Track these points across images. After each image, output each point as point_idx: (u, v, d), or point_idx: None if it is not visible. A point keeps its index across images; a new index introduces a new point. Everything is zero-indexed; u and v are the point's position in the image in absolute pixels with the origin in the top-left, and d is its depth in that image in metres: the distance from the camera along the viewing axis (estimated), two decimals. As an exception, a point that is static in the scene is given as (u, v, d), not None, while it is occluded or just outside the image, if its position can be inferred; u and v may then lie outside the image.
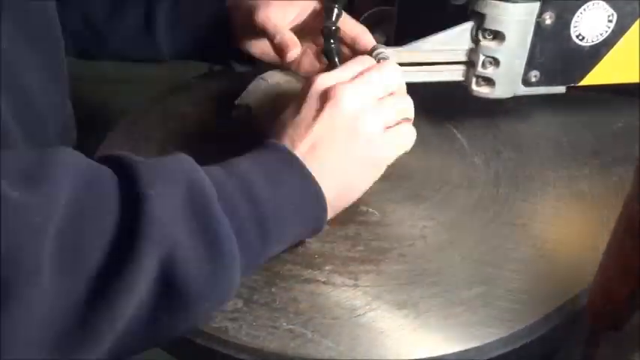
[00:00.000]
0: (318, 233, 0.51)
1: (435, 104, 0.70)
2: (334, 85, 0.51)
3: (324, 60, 0.63)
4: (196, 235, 0.39)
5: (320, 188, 0.48)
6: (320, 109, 0.50)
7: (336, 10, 0.59)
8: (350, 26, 0.62)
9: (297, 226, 0.48)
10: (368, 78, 0.52)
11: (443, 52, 0.60)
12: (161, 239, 0.37)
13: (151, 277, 0.37)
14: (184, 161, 0.43)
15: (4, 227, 0.33)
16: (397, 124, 0.54)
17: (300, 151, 0.49)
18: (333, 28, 0.60)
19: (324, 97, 0.51)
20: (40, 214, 0.35)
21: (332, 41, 0.60)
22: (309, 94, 0.52)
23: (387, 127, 0.52)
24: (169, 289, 0.38)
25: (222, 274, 0.41)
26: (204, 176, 0.42)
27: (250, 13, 0.65)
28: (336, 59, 0.61)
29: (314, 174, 0.48)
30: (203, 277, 0.39)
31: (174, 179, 0.40)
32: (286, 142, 0.50)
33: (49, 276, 0.34)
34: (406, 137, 0.55)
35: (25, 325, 0.34)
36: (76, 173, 0.38)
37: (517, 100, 0.61)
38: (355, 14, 0.67)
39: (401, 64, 0.58)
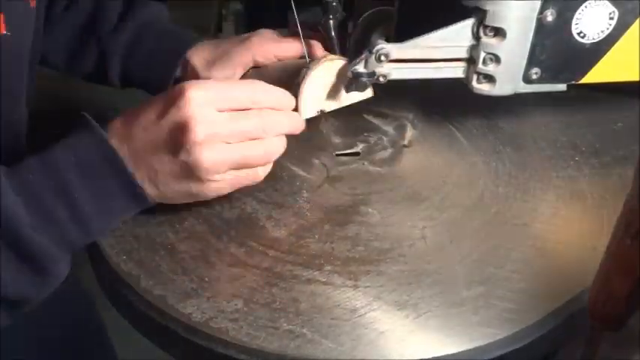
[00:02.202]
0: (149, 206, 0.52)
1: (435, 104, 0.70)
2: (182, 89, 0.49)
3: None
4: (14, 260, 0.46)
5: (136, 184, 0.49)
6: (163, 112, 0.50)
7: (335, 5, 0.61)
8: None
9: (117, 215, 0.51)
10: (225, 91, 0.51)
11: (443, 48, 0.59)
12: None
13: None
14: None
15: None
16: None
17: (124, 150, 0.49)
18: (331, 21, 0.62)
19: (171, 100, 0.50)
20: None
21: (331, 35, 0.63)
22: (159, 96, 0.51)
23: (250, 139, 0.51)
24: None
25: (41, 281, 0.48)
26: (10, 203, 0.46)
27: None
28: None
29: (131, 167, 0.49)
30: (26, 287, 0.48)
31: None
32: (114, 138, 0.50)
33: None
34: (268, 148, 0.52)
35: None
36: None
37: (517, 100, 0.61)
38: (355, 14, 0.67)
39: (401, 61, 0.58)
